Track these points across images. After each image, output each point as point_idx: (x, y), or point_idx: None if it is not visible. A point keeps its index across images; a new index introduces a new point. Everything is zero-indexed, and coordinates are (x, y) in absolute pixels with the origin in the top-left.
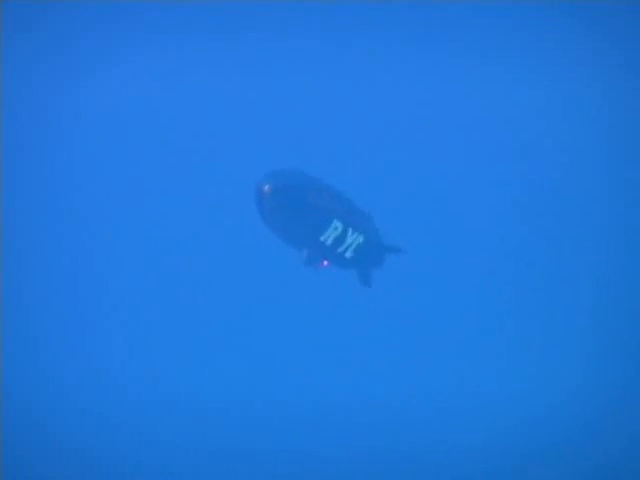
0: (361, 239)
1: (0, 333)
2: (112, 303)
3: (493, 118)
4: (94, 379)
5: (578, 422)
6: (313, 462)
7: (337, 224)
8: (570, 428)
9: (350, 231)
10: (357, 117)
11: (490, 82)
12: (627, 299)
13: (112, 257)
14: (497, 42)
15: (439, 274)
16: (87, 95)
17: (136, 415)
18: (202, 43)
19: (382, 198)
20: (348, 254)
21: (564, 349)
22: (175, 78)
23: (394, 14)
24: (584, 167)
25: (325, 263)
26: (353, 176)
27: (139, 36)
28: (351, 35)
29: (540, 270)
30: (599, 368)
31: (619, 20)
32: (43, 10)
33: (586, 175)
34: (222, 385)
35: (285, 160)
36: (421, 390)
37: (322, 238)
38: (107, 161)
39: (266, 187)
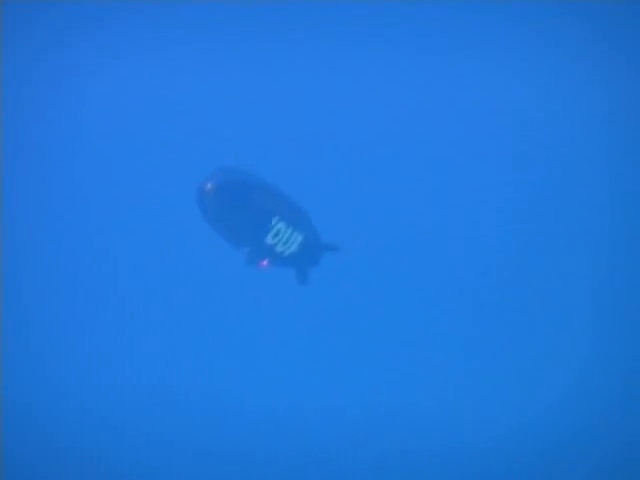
0: (301, 238)
1: (0, 333)
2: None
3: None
4: (94, 379)
5: (576, 425)
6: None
7: (279, 223)
8: (568, 431)
9: (291, 230)
10: (310, 115)
11: (483, 83)
12: (628, 298)
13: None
14: (496, 41)
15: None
16: (87, 95)
17: (135, 416)
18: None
19: (324, 197)
20: (288, 253)
21: (553, 350)
22: (175, 78)
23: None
24: (583, 167)
25: (265, 262)
26: (294, 174)
27: (140, 36)
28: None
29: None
30: (599, 370)
31: (619, 20)
32: (43, 10)
33: (585, 176)
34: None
35: (229, 158)
36: (364, 391)
37: (262, 236)
38: (107, 161)
39: (208, 185)
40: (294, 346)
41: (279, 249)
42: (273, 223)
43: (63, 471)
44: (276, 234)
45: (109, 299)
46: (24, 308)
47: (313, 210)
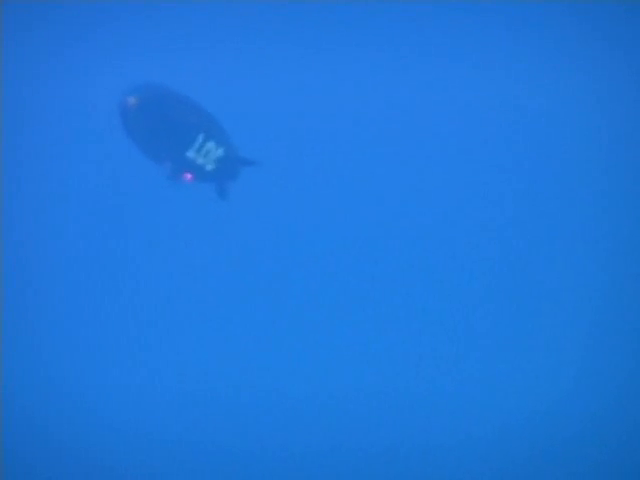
0: (221, 151)
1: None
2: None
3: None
4: (94, 380)
5: (578, 423)
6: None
7: (200, 136)
8: (570, 429)
9: (212, 144)
10: None
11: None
12: (631, 296)
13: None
14: (497, 41)
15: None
16: (88, 95)
17: (134, 417)
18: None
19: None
20: (209, 167)
21: (553, 346)
22: (175, 76)
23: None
24: (583, 167)
25: (188, 177)
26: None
27: (140, 36)
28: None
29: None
30: (601, 366)
31: (620, 20)
32: (43, 10)
33: (586, 175)
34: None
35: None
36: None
37: (185, 150)
38: (107, 160)
39: (130, 99)
40: (219, 263)
41: (201, 162)
42: (195, 137)
43: (63, 471)
44: (198, 148)
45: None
46: (24, 308)
47: (231, 125)
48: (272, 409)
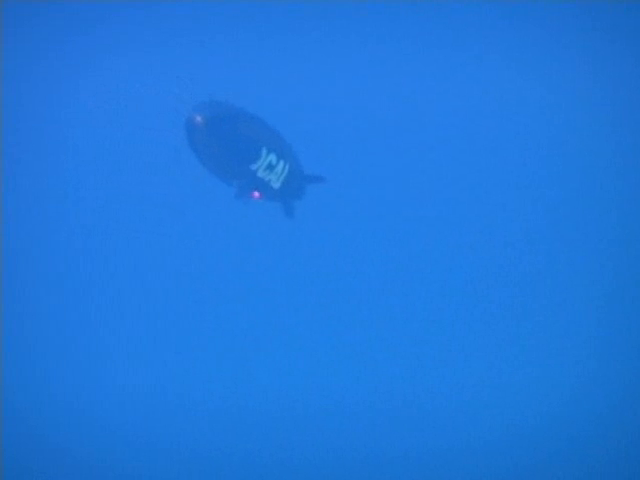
0: (288, 169)
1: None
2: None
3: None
4: (94, 381)
5: (581, 425)
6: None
7: (269, 154)
8: (573, 431)
9: (279, 161)
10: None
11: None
12: (632, 298)
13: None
14: (498, 41)
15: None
16: (88, 95)
17: (134, 419)
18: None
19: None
20: (276, 185)
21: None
22: (174, 73)
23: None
24: (584, 167)
25: (256, 195)
26: (276, 107)
27: (139, 35)
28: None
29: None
30: (605, 369)
31: (620, 20)
32: (43, 10)
33: (586, 175)
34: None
35: (210, 91)
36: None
37: (253, 168)
38: (106, 160)
39: (197, 118)
40: (286, 282)
41: (268, 180)
42: (263, 154)
43: (63, 472)
44: (266, 166)
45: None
46: (24, 308)
47: (295, 142)
48: (274, 412)
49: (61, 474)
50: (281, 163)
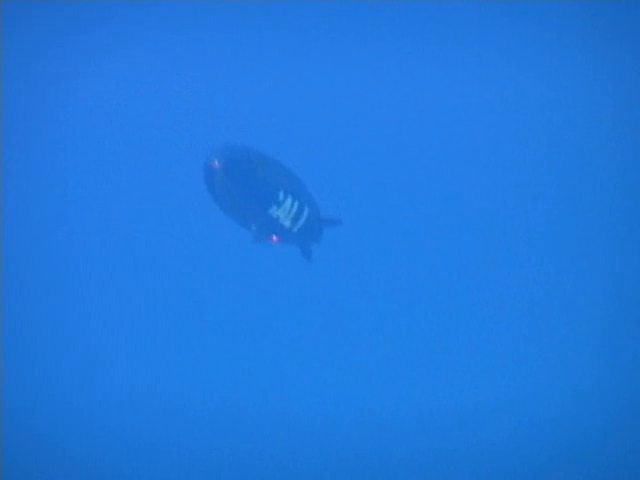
0: (306, 212)
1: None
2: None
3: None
4: (93, 382)
5: (583, 429)
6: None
7: (286, 198)
8: (576, 434)
9: (297, 204)
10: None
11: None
12: (634, 299)
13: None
14: (498, 40)
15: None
16: (87, 93)
17: (134, 421)
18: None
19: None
20: (295, 228)
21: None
22: (174, 73)
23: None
24: (584, 168)
25: (274, 238)
26: (289, 149)
27: (139, 34)
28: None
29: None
30: (608, 370)
31: (620, 20)
32: (43, 10)
33: (586, 175)
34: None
35: (228, 137)
36: (370, 366)
37: (271, 211)
38: (107, 160)
39: (215, 162)
40: (304, 325)
41: (287, 224)
42: (280, 198)
43: (62, 472)
44: (284, 209)
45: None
46: (24, 309)
47: (312, 185)
48: (275, 417)
49: (61, 474)
50: (299, 206)
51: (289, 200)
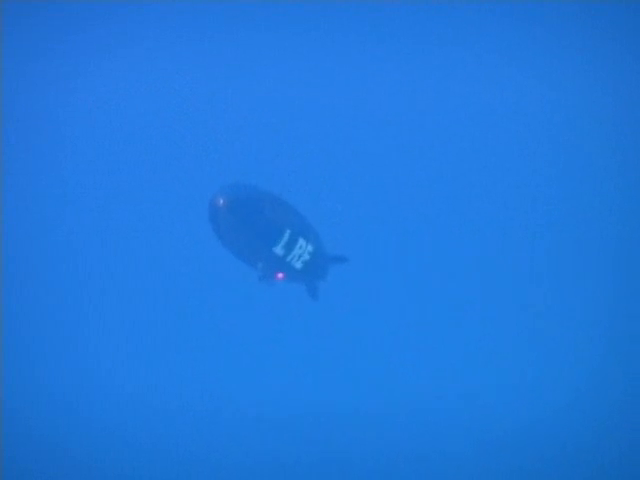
0: (311, 249)
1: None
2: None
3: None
4: (94, 382)
5: (581, 429)
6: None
7: (291, 235)
8: (572, 435)
9: (302, 242)
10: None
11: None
12: (633, 300)
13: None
14: (499, 41)
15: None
16: (88, 95)
17: (134, 420)
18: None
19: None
20: (299, 265)
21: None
22: (177, 77)
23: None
24: (585, 168)
25: (280, 276)
26: (293, 187)
27: (141, 36)
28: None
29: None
30: (608, 371)
31: (620, 20)
32: (43, 10)
33: (587, 175)
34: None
35: (233, 175)
36: (377, 402)
37: (276, 250)
38: (106, 161)
39: (220, 201)
40: (311, 361)
41: (291, 261)
42: (286, 236)
43: (62, 472)
44: (289, 247)
45: (121, 317)
46: (23, 310)
47: (317, 222)
48: (275, 419)
49: (61, 474)
50: (304, 244)
51: (294, 238)
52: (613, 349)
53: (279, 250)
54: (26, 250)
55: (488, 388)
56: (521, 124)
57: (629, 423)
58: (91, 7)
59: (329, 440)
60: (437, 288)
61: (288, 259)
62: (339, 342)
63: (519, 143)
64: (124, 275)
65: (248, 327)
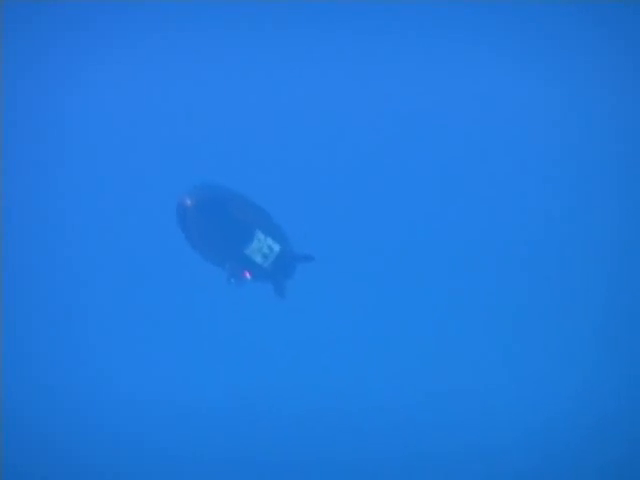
0: (278, 248)
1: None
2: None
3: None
4: (94, 383)
5: (582, 430)
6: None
7: (259, 235)
8: (574, 437)
9: (270, 241)
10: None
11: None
12: (633, 301)
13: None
14: (499, 41)
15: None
16: (88, 95)
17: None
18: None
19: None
20: (267, 265)
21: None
22: (178, 77)
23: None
24: (585, 169)
25: (247, 275)
26: (261, 184)
27: (141, 36)
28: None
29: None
30: (607, 373)
31: (620, 20)
32: (43, 10)
33: (587, 176)
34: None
35: (201, 173)
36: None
37: (245, 250)
38: (106, 161)
39: (188, 201)
40: (278, 362)
41: (259, 260)
42: (253, 235)
43: (62, 472)
44: (256, 246)
45: (88, 318)
46: (23, 312)
47: (284, 221)
48: (275, 417)
49: (61, 474)
50: (271, 243)
51: (261, 237)
52: (613, 349)
53: (247, 250)
54: (26, 250)
55: (475, 386)
56: (521, 124)
57: (629, 423)
58: (93, 7)
59: (306, 442)
60: (409, 286)
61: (255, 258)
62: (307, 340)
63: (519, 143)
64: (94, 275)
65: (216, 327)
